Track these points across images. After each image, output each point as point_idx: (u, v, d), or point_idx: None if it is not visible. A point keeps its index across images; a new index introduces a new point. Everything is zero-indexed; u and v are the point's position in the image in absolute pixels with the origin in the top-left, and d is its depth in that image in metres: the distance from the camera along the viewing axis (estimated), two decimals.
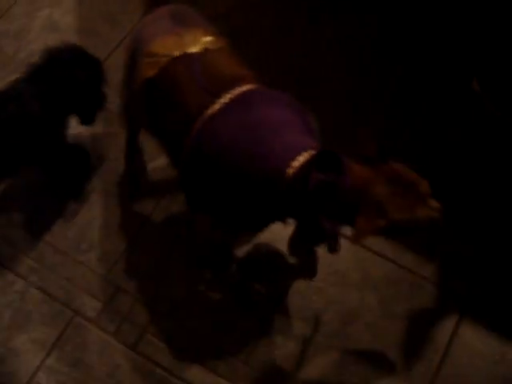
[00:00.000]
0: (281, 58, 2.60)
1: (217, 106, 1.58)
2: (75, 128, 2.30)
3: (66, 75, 1.97)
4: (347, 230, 2.03)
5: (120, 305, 2.14)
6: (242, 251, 2.19)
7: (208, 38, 1.69)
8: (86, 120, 2.15)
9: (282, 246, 2.14)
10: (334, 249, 1.80)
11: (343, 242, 2.20)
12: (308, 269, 2.09)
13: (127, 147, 2.25)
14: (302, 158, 1.54)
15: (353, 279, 2.17)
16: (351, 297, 2.14)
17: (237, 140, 1.54)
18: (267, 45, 2.64)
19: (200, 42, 1.67)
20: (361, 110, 2.48)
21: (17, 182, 2.36)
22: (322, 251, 2.07)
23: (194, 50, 1.65)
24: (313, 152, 1.54)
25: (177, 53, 1.65)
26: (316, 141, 1.65)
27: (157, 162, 2.37)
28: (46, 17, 2.76)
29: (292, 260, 2.12)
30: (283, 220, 1.69)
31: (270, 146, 1.53)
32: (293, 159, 1.53)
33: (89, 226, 2.28)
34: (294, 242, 1.82)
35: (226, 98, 1.59)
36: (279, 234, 2.15)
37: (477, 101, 1.93)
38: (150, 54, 1.68)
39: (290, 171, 1.53)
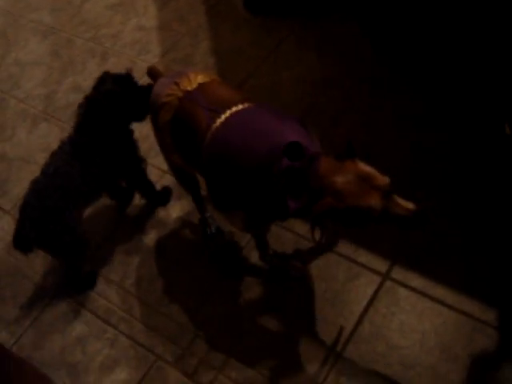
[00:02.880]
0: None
1: (220, 120, 1.97)
2: None
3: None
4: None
5: (197, 350, 2.35)
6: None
7: (200, 77, 2.13)
8: None
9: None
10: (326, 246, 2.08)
11: (403, 293, 2.34)
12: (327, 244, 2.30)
13: (193, 197, 2.57)
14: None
15: (414, 326, 2.27)
16: (412, 342, 2.24)
17: (233, 142, 1.91)
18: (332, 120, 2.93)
19: (195, 81, 2.11)
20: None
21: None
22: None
23: (192, 87, 2.09)
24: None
25: (180, 94, 2.09)
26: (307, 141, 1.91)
27: None
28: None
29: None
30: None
31: (258, 143, 1.86)
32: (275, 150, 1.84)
33: (171, 282, 2.55)
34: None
35: (226, 114, 1.98)
36: None
37: (509, 143, 2.11)
38: (163, 104, 2.14)
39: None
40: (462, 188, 2.58)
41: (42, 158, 3.10)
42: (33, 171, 3.03)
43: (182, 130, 2.10)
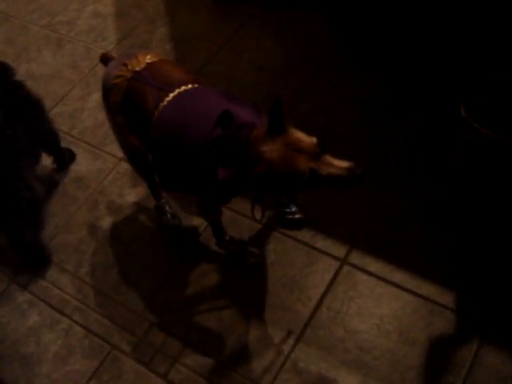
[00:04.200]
0: (302, 115, 2.85)
1: (168, 99, 1.97)
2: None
3: None
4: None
5: (153, 338, 2.30)
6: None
7: (148, 57, 2.11)
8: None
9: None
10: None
11: (362, 277, 2.33)
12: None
13: (148, 184, 2.52)
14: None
15: (371, 309, 2.26)
16: (370, 326, 2.23)
17: (175, 119, 1.92)
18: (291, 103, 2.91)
19: (143, 61, 2.08)
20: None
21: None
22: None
23: (140, 67, 2.07)
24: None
25: (129, 75, 2.07)
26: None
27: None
28: (97, 99, 3.14)
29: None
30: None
31: (196, 121, 1.88)
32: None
33: (126, 270, 2.50)
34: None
35: (175, 93, 1.97)
36: None
37: (464, 124, 2.12)
38: (112, 86, 2.11)
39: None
40: (420, 171, 2.58)
41: None
42: None
43: (132, 110, 2.07)
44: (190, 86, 2.01)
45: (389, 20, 2.94)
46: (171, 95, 1.98)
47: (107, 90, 2.14)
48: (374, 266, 2.36)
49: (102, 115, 3.03)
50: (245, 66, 3.15)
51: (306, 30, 3.26)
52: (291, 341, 2.22)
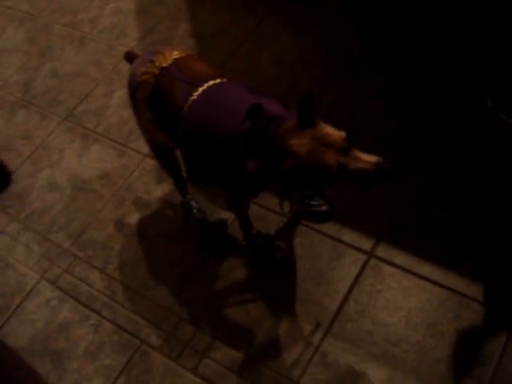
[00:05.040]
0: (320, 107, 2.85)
1: (197, 93, 1.97)
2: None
3: None
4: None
5: (182, 333, 2.32)
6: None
7: (175, 53, 2.11)
8: None
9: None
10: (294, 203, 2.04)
11: (389, 270, 2.33)
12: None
13: (174, 180, 2.53)
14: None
15: (399, 302, 2.26)
16: (398, 319, 2.23)
17: (205, 113, 1.92)
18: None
19: (170, 57, 2.09)
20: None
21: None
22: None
23: (167, 63, 2.07)
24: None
25: (157, 71, 2.07)
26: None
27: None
28: (121, 96, 3.16)
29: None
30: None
31: (226, 114, 1.88)
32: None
33: (154, 265, 2.52)
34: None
35: (204, 87, 1.97)
36: None
37: (490, 115, 2.10)
38: (140, 83, 2.11)
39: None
40: (446, 164, 2.57)
41: (21, 145, 3.08)
42: (12, 158, 3.01)
43: (161, 105, 2.07)
44: (218, 80, 2.02)
45: (411, 11, 2.93)
46: (200, 89, 1.98)
47: (134, 87, 2.15)
48: (401, 258, 2.35)
49: (126, 112, 3.06)
50: (266, 61, 3.15)
51: (326, 23, 3.25)
52: (319, 334, 2.23)
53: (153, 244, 2.59)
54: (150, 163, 2.83)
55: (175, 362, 2.27)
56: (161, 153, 2.34)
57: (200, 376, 2.22)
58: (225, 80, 2.03)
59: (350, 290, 2.31)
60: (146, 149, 2.86)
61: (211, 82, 2.00)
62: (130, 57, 2.31)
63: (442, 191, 2.49)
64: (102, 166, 2.90)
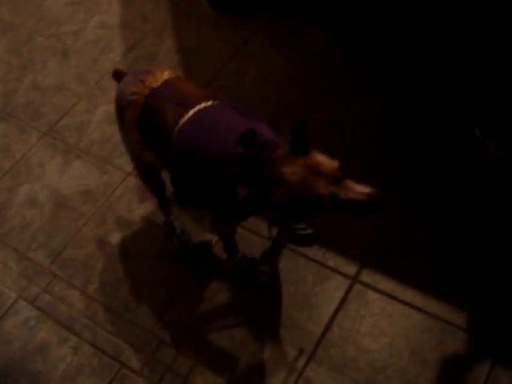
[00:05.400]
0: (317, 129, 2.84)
1: (187, 116, 1.96)
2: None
3: None
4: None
5: (163, 356, 2.28)
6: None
7: (165, 73, 2.10)
8: None
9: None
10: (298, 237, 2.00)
11: (372, 296, 2.32)
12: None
13: (158, 200, 2.50)
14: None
15: (383, 328, 2.24)
16: (383, 346, 2.21)
17: (196, 136, 1.91)
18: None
19: (160, 78, 2.08)
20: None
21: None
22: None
23: (157, 84, 2.06)
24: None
25: (146, 91, 2.05)
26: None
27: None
28: (104, 112, 3.12)
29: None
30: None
31: (218, 137, 1.87)
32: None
33: (136, 286, 2.48)
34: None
35: (194, 109, 1.96)
36: None
37: (478, 145, 2.10)
38: (128, 103, 2.09)
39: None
40: (432, 188, 2.57)
41: (0, 159, 3.02)
42: None
43: (150, 126, 2.05)
44: (209, 102, 2.00)
45: (398, 34, 2.94)
46: (191, 112, 1.96)
47: (122, 107, 2.12)
48: (385, 284, 2.34)
49: (109, 129, 3.02)
50: (252, 79, 3.14)
51: (314, 42, 3.25)
52: (303, 360, 2.21)
53: (135, 264, 2.55)
54: (133, 181, 2.80)
55: None
56: (146, 172, 2.31)
57: None
58: (216, 102, 2.01)
59: (334, 315, 2.30)
60: (128, 167, 2.82)
61: (202, 105, 1.99)
62: (118, 75, 2.28)
63: (427, 217, 2.49)
64: (83, 182, 2.86)
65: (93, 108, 3.16)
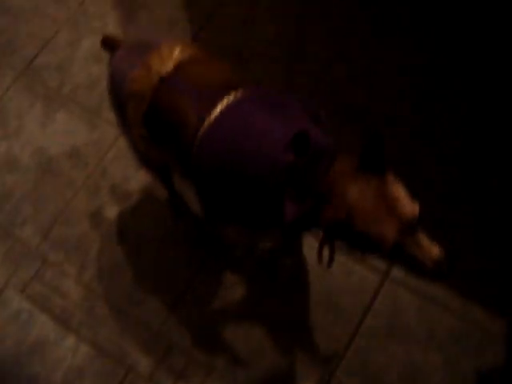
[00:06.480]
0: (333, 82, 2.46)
1: (213, 115, 1.55)
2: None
3: None
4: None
5: (174, 362, 2.07)
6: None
7: (176, 51, 1.66)
8: None
9: None
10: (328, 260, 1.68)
11: (405, 296, 2.09)
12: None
13: (168, 193, 2.18)
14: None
15: (417, 335, 2.04)
16: (415, 354, 2.02)
17: (230, 140, 1.52)
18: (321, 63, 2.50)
19: (169, 58, 1.64)
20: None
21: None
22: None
23: (167, 68, 1.62)
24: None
25: (154, 80, 1.62)
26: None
27: None
28: (89, 46, 2.65)
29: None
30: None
31: (259, 141, 1.48)
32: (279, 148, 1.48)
33: (137, 274, 2.21)
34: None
35: (221, 106, 1.55)
36: None
37: None
38: (130, 94, 1.67)
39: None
40: (475, 190, 2.27)
41: None
42: None
43: (163, 126, 1.65)
44: (239, 91, 1.58)
45: None
46: (218, 108, 1.55)
47: (120, 97, 1.70)
48: (416, 282, 2.11)
49: (96, 69, 2.58)
50: (264, 10, 2.67)
51: None
52: (330, 368, 2.02)
53: (136, 247, 2.25)
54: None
55: None
56: (153, 169, 1.94)
57: None
58: (247, 91, 1.59)
59: (363, 318, 2.08)
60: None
61: (231, 96, 1.57)
62: (109, 43, 1.83)
63: (469, 212, 2.21)
64: (70, 140, 2.46)
65: (76, 41, 2.67)
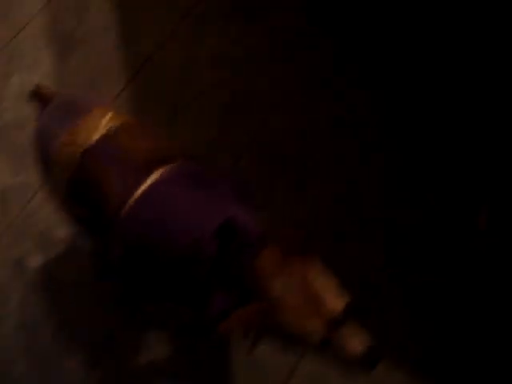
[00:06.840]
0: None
1: (140, 191, 1.51)
2: None
3: None
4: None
5: None
6: None
7: (106, 118, 1.62)
8: None
9: None
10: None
11: None
12: None
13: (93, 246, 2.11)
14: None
15: None
16: None
17: (154, 223, 1.48)
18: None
19: (99, 125, 1.60)
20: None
21: None
22: None
23: (96, 137, 1.58)
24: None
25: (81, 148, 1.58)
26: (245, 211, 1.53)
27: None
28: (20, 83, 2.56)
29: None
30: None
31: (184, 223, 1.45)
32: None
33: (59, 333, 2.12)
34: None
35: (150, 181, 1.51)
36: None
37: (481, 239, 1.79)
38: (57, 160, 1.62)
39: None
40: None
41: None
42: None
43: (86, 196, 1.60)
44: (168, 167, 1.55)
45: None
46: (144, 184, 1.52)
47: (46, 158, 1.66)
48: None
49: (26, 110, 2.49)
50: (204, 55, 2.62)
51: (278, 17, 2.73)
52: None
53: (60, 298, 2.16)
54: None
55: None
56: (78, 221, 1.87)
57: None
58: (175, 167, 1.56)
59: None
60: None
61: (159, 172, 1.53)
62: (39, 95, 1.77)
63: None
64: None
65: (5, 77, 2.58)
